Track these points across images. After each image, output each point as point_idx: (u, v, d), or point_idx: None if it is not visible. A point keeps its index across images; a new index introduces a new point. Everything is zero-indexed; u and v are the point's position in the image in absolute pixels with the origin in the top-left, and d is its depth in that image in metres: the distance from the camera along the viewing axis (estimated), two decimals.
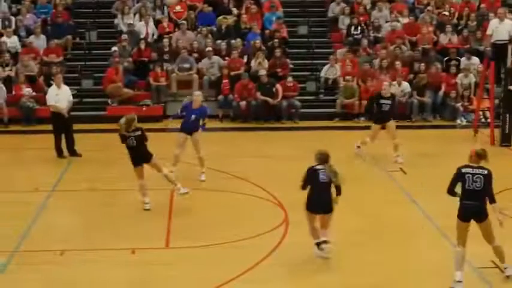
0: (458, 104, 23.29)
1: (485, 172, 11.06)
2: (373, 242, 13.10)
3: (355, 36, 25.38)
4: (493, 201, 11.23)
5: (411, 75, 24.07)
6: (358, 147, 18.68)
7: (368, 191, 16.05)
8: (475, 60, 24.29)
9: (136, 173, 14.79)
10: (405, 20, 25.94)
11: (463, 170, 11.09)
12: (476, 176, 11.03)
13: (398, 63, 23.85)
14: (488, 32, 20.93)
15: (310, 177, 12.07)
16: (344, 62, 24.06)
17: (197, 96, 16.73)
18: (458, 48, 25.06)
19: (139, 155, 14.68)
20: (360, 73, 23.85)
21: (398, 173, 17.31)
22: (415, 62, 24.40)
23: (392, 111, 18.48)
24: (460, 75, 23.88)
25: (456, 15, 26.49)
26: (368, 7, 26.63)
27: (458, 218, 11.25)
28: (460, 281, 11.13)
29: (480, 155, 11.18)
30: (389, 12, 26.37)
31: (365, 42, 24.96)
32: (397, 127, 22.39)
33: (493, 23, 20.88)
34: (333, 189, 12.14)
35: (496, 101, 20.98)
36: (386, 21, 26.03)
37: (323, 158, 12.16)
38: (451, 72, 24.05)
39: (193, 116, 16.45)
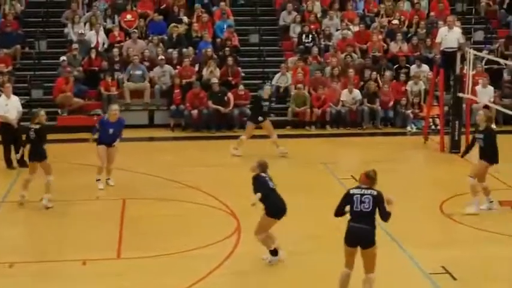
0: (409, 111, 23.48)
1: (375, 193, 10.47)
2: (327, 249, 13.10)
3: (306, 45, 25.48)
4: (387, 219, 10.62)
5: (362, 83, 24.21)
6: (236, 149, 19.48)
7: (320, 198, 16.03)
8: (425, 67, 24.54)
9: (30, 167, 15.33)
10: (356, 28, 26.11)
11: (351, 191, 10.55)
12: (365, 196, 10.44)
13: (351, 71, 23.99)
14: (438, 39, 21.10)
15: (262, 184, 12.12)
16: (295, 70, 24.13)
17: (114, 111, 16.76)
18: (408, 56, 25.29)
19: (35, 151, 15.14)
20: (311, 81, 23.94)
21: (350, 180, 17.34)
22: (365, 69, 24.55)
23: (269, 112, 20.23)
24: (410, 82, 24.09)
25: (406, 23, 26.71)
26: (319, 15, 26.76)
27: (344, 242, 10.57)
28: None
29: (369, 177, 10.61)
30: (340, 21, 26.51)
31: (316, 50, 25.06)
32: (348, 135, 22.71)
33: (442, 30, 21.07)
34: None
35: (446, 108, 21.17)
36: (337, 30, 26.18)
37: (264, 166, 12.32)
38: (401, 79, 24.25)
39: (111, 130, 16.61)
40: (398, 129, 23.41)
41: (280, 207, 12.17)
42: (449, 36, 20.54)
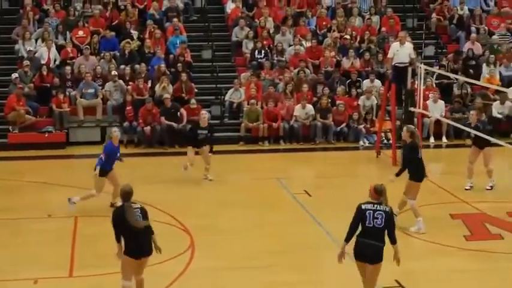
0: (361, 126, 23.63)
1: (387, 209, 10.45)
2: (280, 263, 13.12)
3: (259, 60, 25.56)
4: (395, 241, 10.63)
5: (315, 98, 24.33)
6: (185, 168, 18.54)
7: (274, 213, 16.11)
8: (377, 82, 24.74)
9: None
10: (308, 44, 26.25)
11: (363, 207, 10.44)
12: (378, 212, 10.37)
13: (305, 86, 24.10)
14: (390, 55, 21.29)
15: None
16: (248, 85, 24.17)
17: (115, 133, 16.26)
18: (360, 71, 25.49)
19: None
20: (265, 96, 23.99)
21: (303, 195, 17.42)
22: (318, 85, 24.69)
23: (207, 140, 18.55)
24: (362, 97, 24.27)
25: (358, 38, 26.93)
26: (271, 31, 26.86)
27: (354, 258, 10.57)
28: None
29: (378, 191, 10.53)
30: (292, 36, 26.64)
31: (268, 65, 25.15)
32: (302, 150, 22.77)
33: (394, 46, 21.27)
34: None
35: (398, 123, 21.35)
36: (290, 45, 26.29)
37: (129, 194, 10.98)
38: (353, 94, 24.42)
39: (118, 154, 16.21)
40: (351, 143, 23.50)
41: (138, 247, 10.81)
42: (401, 51, 20.73)
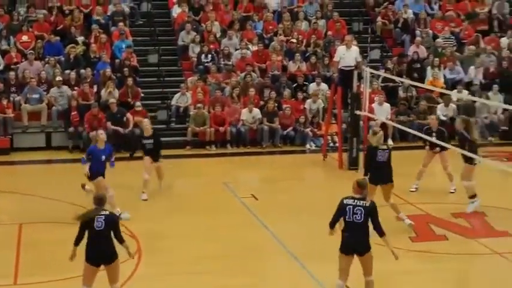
0: (307, 129, 23.72)
1: (367, 204, 10.75)
2: (227, 267, 13.11)
3: (206, 64, 25.51)
4: (382, 234, 10.97)
5: (262, 102, 24.36)
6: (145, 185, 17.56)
7: (221, 217, 16.08)
8: (323, 86, 24.84)
9: None
10: (255, 48, 26.28)
11: (345, 201, 10.83)
12: (357, 208, 10.72)
13: (252, 90, 24.12)
14: (336, 58, 21.41)
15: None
16: (195, 90, 24.10)
17: (101, 135, 16.03)
18: (307, 75, 25.59)
19: None
20: (211, 101, 23.95)
21: (250, 199, 17.42)
22: (265, 89, 24.73)
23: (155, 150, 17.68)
24: (309, 100, 24.36)
25: (304, 42, 27.03)
26: (218, 35, 26.82)
27: (340, 251, 10.97)
28: None
29: (360, 185, 10.93)
30: (239, 40, 26.65)
31: (215, 69, 25.13)
32: (249, 153, 22.77)
33: (340, 49, 21.39)
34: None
35: (344, 126, 21.48)
36: (236, 49, 26.29)
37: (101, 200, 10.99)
38: (299, 98, 24.51)
39: (103, 157, 15.89)
40: (297, 147, 23.56)
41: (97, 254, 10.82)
42: (347, 55, 20.87)
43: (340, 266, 11.01)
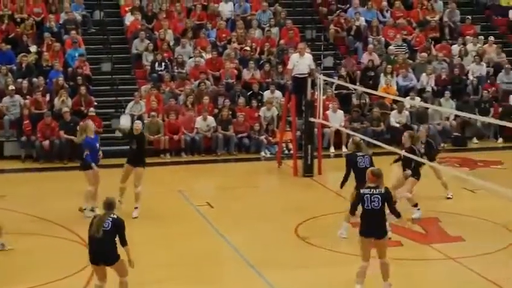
0: (262, 137, 23.74)
1: (383, 191, 11.73)
2: (182, 275, 13.06)
3: (159, 73, 25.43)
4: (398, 215, 12.23)
5: (216, 110, 24.33)
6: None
7: (176, 225, 16.03)
8: (278, 93, 24.90)
9: None
10: (208, 56, 26.26)
11: (362, 191, 11.80)
12: (374, 196, 11.67)
13: (206, 98, 24.09)
14: (289, 66, 21.50)
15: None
16: (149, 98, 24.01)
17: (91, 124, 16.69)
18: (261, 82, 25.63)
19: None
20: (165, 109, 23.87)
21: (205, 207, 17.39)
22: (219, 96, 24.72)
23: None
24: (263, 108, 24.39)
25: (258, 50, 27.07)
26: (171, 43, 26.76)
27: (360, 235, 11.89)
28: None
29: (375, 174, 11.85)
30: (192, 48, 26.61)
31: (169, 78, 25.05)
32: (203, 161, 22.72)
33: (294, 57, 21.48)
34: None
35: (298, 133, 21.54)
36: (190, 57, 26.25)
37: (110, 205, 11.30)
38: (254, 106, 24.53)
39: (97, 145, 16.43)
40: (252, 154, 23.56)
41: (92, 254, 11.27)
42: (301, 62, 20.96)
43: (362, 250, 11.95)
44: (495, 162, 21.74)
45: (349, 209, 12.20)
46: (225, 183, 20.30)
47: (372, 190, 11.74)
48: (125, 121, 19.37)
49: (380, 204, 11.69)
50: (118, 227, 11.04)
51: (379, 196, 11.68)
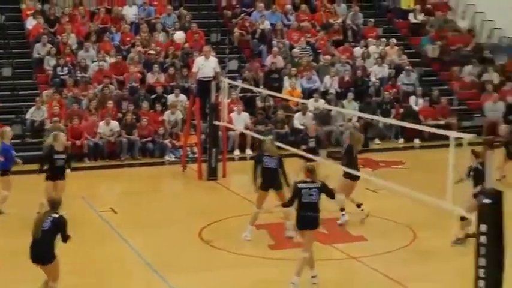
0: (167, 141, 23.58)
1: (319, 185, 12.26)
2: (86, 282, 12.86)
3: (62, 77, 25.01)
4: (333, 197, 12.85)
5: (120, 114, 24.07)
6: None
7: (79, 232, 15.61)
8: (182, 97, 24.79)
9: None
10: (112, 60, 25.98)
11: (299, 186, 12.29)
12: (312, 189, 12.18)
13: (110, 103, 23.81)
14: (194, 69, 21.46)
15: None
16: (51, 103, 23.59)
17: (8, 130, 16.69)
18: (166, 86, 25.48)
19: None
20: (68, 114, 23.50)
21: (109, 213, 17.18)
22: (123, 101, 24.47)
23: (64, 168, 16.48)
24: (167, 112, 24.24)
25: (162, 53, 26.91)
26: (74, 47, 26.35)
27: (297, 228, 12.49)
28: (293, 283, 12.18)
29: (310, 170, 12.36)
30: (96, 52, 26.28)
31: (72, 82, 24.68)
32: (107, 167, 22.44)
33: (199, 60, 21.45)
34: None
35: (203, 136, 21.47)
36: (93, 61, 25.92)
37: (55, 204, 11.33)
38: (158, 109, 24.36)
39: (13, 152, 16.52)
40: (157, 159, 23.36)
41: (31, 252, 11.24)
42: (206, 65, 20.98)
43: (303, 241, 12.45)
44: (396, 162, 22.11)
45: (286, 202, 12.95)
46: (129, 188, 20.11)
47: (309, 184, 12.25)
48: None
49: (318, 198, 12.23)
50: (58, 225, 11.00)
51: (316, 190, 12.21)
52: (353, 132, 17.24)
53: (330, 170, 14.97)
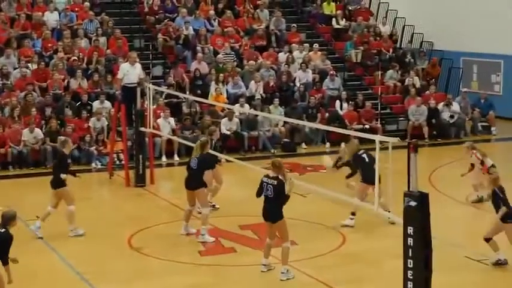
0: (93, 148, 23.35)
1: (275, 183, 12.75)
2: None
3: None
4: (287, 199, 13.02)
5: (44, 122, 23.75)
6: None
7: None
8: (107, 103, 24.59)
9: None
10: (35, 66, 25.62)
11: (263, 179, 12.98)
12: (269, 185, 12.82)
13: (33, 110, 23.47)
14: (119, 75, 21.31)
15: None
16: None
17: None
18: (90, 93, 25.23)
19: None
20: None
21: (35, 221, 16.89)
22: (46, 108, 24.15)
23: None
24: (93, 119, 24.01)
25: (85, 60, 26.64)
26: None
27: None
28: (265, 264, 13.32)
29: (274, 165, 12.95)
30: (17, 59, 25.89)
31: None
32: (32, 175, 22.09)
33: (124, 66, 21.30)
34: None
35: (129, 143, 21.33)
36: (15, 68, 25.52)
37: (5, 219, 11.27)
38: (83, 116, 24.10)
39: None
40: (83, 166, 23.06)
41: None
42: (131, 71, 20.86)
43: (267, 231, 13.33)
44: (323, 166, 22.31)
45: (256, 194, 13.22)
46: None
47: (268, 179, 12.88)
48: None
49: (273, 194, 12.79)
50: (2, 242, 10.83)
51: (271, 186, 12.80)
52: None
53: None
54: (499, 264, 13.81)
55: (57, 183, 15.76)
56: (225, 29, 29.21)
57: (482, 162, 17.92)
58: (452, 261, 13.84)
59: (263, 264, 13.38)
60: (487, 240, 13.90)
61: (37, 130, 23.10)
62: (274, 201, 12.88)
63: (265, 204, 13.04)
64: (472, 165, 18.11)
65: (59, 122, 23.56)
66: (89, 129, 23.86)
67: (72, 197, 15.85)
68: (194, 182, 15.34)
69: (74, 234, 15.86)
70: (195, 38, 28.48)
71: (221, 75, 26.52)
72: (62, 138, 17.49)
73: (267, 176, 12.99)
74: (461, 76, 30.53)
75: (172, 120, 24.27)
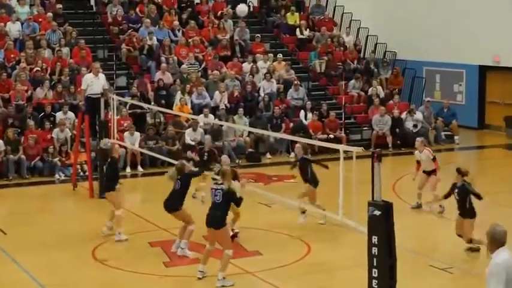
0: (56, 159, 23.18)
1: (224, 188, 13.00)
2: None
3: None
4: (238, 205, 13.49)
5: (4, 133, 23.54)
6: None
7: None
8: (70, 114, 24.43)
9: None
10: None
11: (212, 186, 13.30)
12: (217, 190, 13.03)
13: None
14: (83, 86, 21.22)
15: None
16: None
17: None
18: (53, 103, 25.06)
19: None
20: None
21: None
22: (9, 118, 23.94)
23: None
24: (56, 130, 23.83)
25: (49, 70, 26.47)
26: None
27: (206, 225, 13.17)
28: (201, 271, 13.33)
29: (221, 173, 13.40)
30: None
31: None
32: None
33: (88, 77, 21.23)
34: None
35: (93, 154, 21.21)
36: None
37: None
38: (46, 127, 23.93)
39: None
40: (46, 177, 22.90)
41: None
42: (95, 82, 20.79)
43: (207, 237, 13.63)
44: (288, 176, 22.28)
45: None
46: (19, 208, 19.66)
47: (217, 185, 13.12)
48: None
49: (221, 199, 12.99)
50: None
51: (221, 191, 13.00)
52: (304, 144, 17.30)
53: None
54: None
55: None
56: (189, 39, 29.18)
57: (434, 159, 18.20)
58: (417, 269, 13.91)
59: (200, 271, 13.40)
60: (470, 241, 14.23)
61: None
62: (220, 207, 13.06)
63: (210, 211, 13.17)
64: (418, 162, 18.36)
65: (19, 130, 23.33)
66: (52, 140, 23.68)
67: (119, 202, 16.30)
68: (177, 202, 14.95)
69: (118, 238, 15.94)
70: (159, 49, 28.41)
71: (188, 86, 26.46)
72: (109, 143, 17.67)
73: (216, 182, 13.33)
74: (424, 86, 30.75)
75: (137, 134, 24.05)
